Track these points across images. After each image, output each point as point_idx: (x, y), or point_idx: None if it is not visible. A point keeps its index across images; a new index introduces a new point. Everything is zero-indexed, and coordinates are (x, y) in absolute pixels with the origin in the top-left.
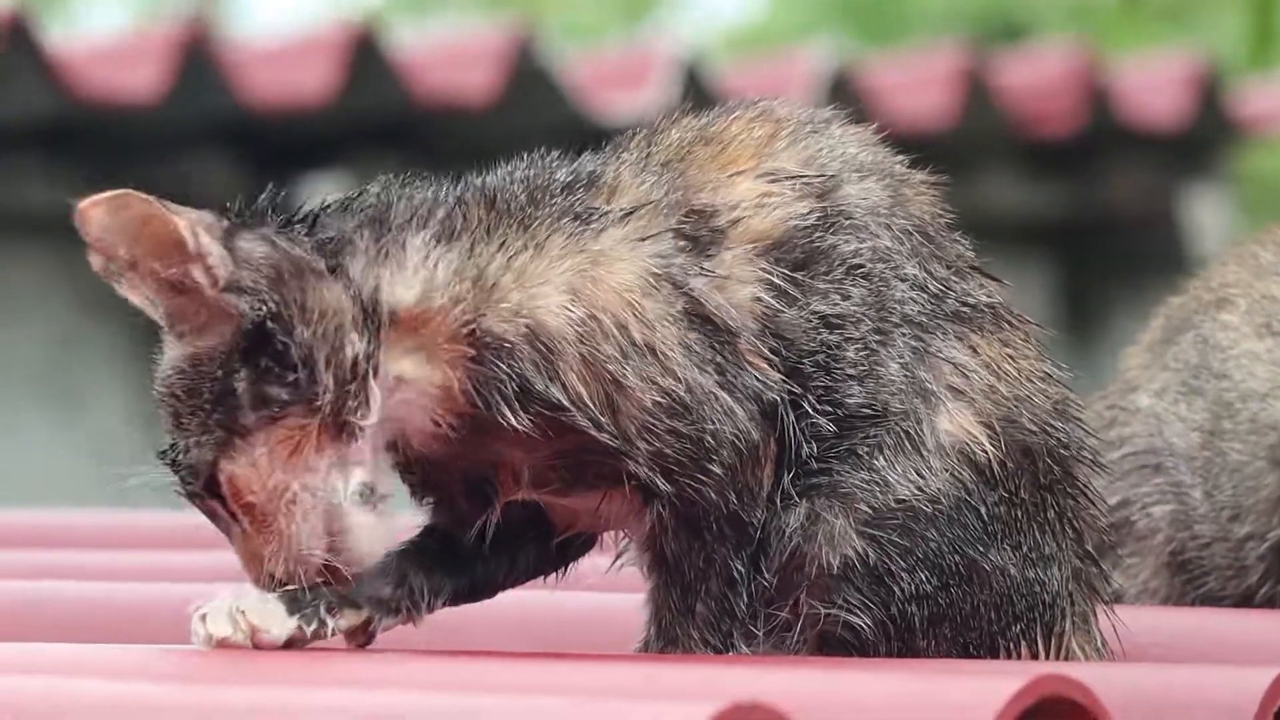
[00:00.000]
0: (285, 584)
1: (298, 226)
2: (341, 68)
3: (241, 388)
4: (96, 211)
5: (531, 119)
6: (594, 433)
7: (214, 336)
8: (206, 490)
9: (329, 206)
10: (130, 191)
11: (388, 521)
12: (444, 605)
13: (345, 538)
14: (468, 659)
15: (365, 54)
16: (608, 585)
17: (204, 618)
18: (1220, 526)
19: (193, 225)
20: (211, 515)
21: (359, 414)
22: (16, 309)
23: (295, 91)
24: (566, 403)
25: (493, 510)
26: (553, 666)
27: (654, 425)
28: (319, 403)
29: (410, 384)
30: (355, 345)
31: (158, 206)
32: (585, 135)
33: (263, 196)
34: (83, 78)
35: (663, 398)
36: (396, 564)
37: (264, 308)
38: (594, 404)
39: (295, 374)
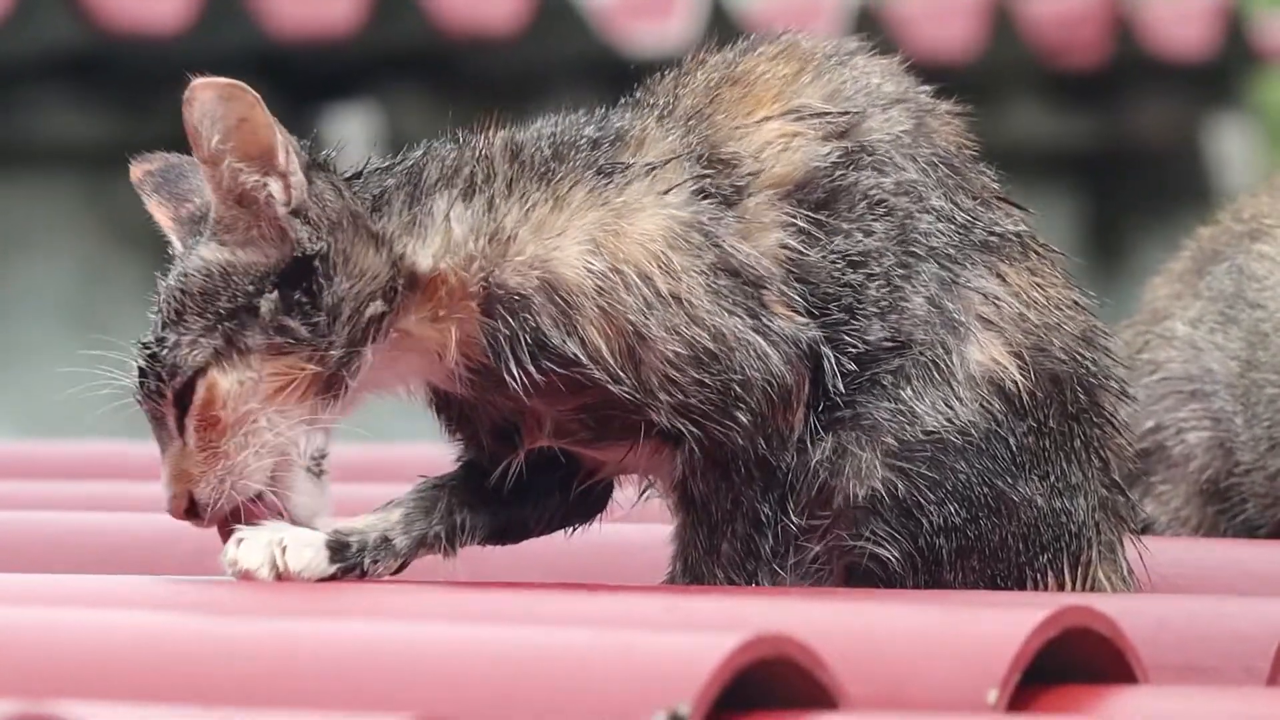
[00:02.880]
0: (201, 507)
1: (355, 182)
2: None
3: (266, 309)
4: (206, 94)
5: (557, 50)
6: (611, 387)
7: (258, 254)
8: (180, 391)
9: (375, 167)
10: (245, 86)
11: (327, 491)
12: (477, 543)
13: (286, 494)
14: (492, 590)
15: None
16: (631, 517)
17: (240, 542)
18: (1259, 455)
19: (286, 141)
20: (157, 420)
21: (351, 374)
22: (43, 241)
23: (321, 22)
24: (584, 357)
25: (516, 455)
26: (576, 597)
27: (677, 376)
28: (328, 353)
29: (413, 340)
30: (375, 309)
31: (264, 110)
32: (611, 66)
33: (328, 151)
34: (109, 9)
35: (686, 348)
36: (446, 499)
37: (319, 245)
38: (614, 357)
39: (320, 318)
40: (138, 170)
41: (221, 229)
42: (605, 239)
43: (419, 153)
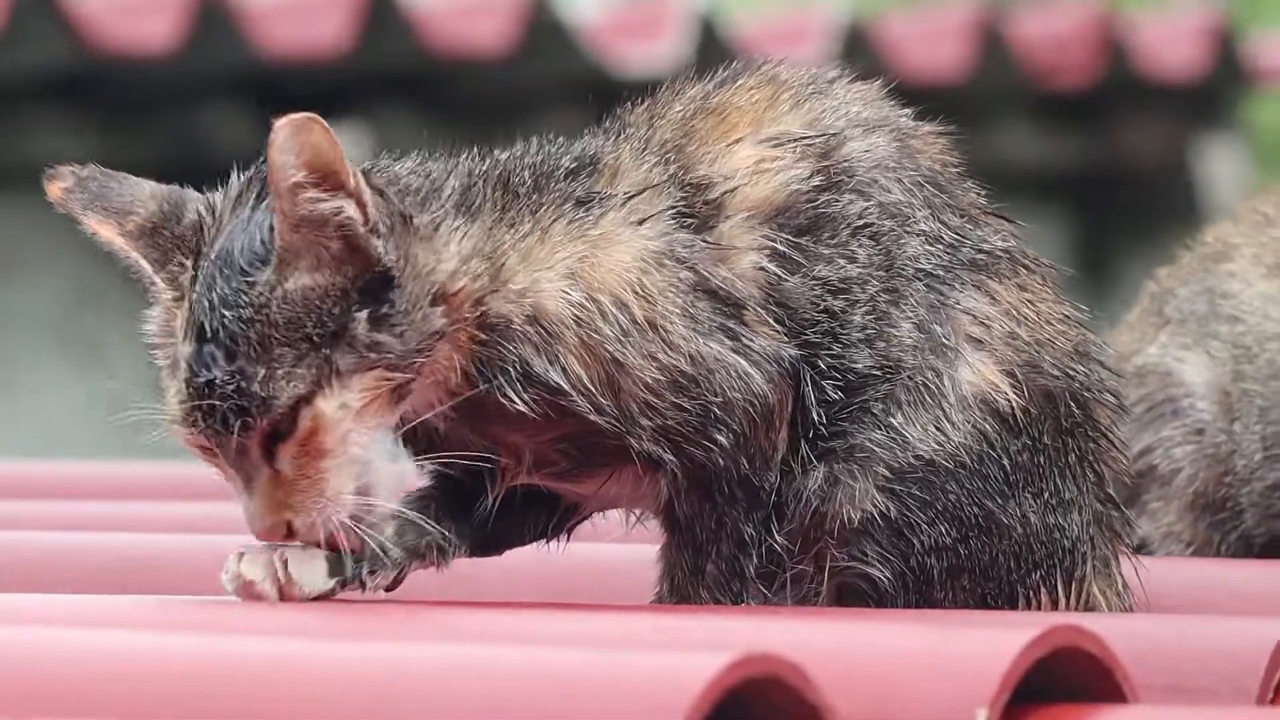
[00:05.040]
0: (299, 533)
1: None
2: (356, 19)
3: (360, 330)
4: (284, 131)
5: (546, 71)
6: (593, 417)
7: (332, 274)
8: (280, 424)
9: (393, 167)
10: (315, 117)
11: (404, 469)
12: (464, 554)
13: (373, 490)
14: (481, 609)
15: (380, 5)
16: (620, 536)
17: (240, 556)
18: (1255, 466)
19: (350, 165)
20: (240, 453)
21: (420, 375)
22: (33, 261)
23: (310, 43)
24: (566, 386)
25: (487, 494)
26: (564, 617)
27: (656, 401)
28: (407, 360)
29: (439, 361)
30: (437, 312)
31: (331, 135)
32: (600, 87)
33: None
34: (99, 30)
35: (663, 374)
36: (433, 510)
37: (392, 254)
38: (595, 386)
39: (404, 325)
40: (55, 189)
41: (290, 256)
42: (582, 269)
43: (427, 160)
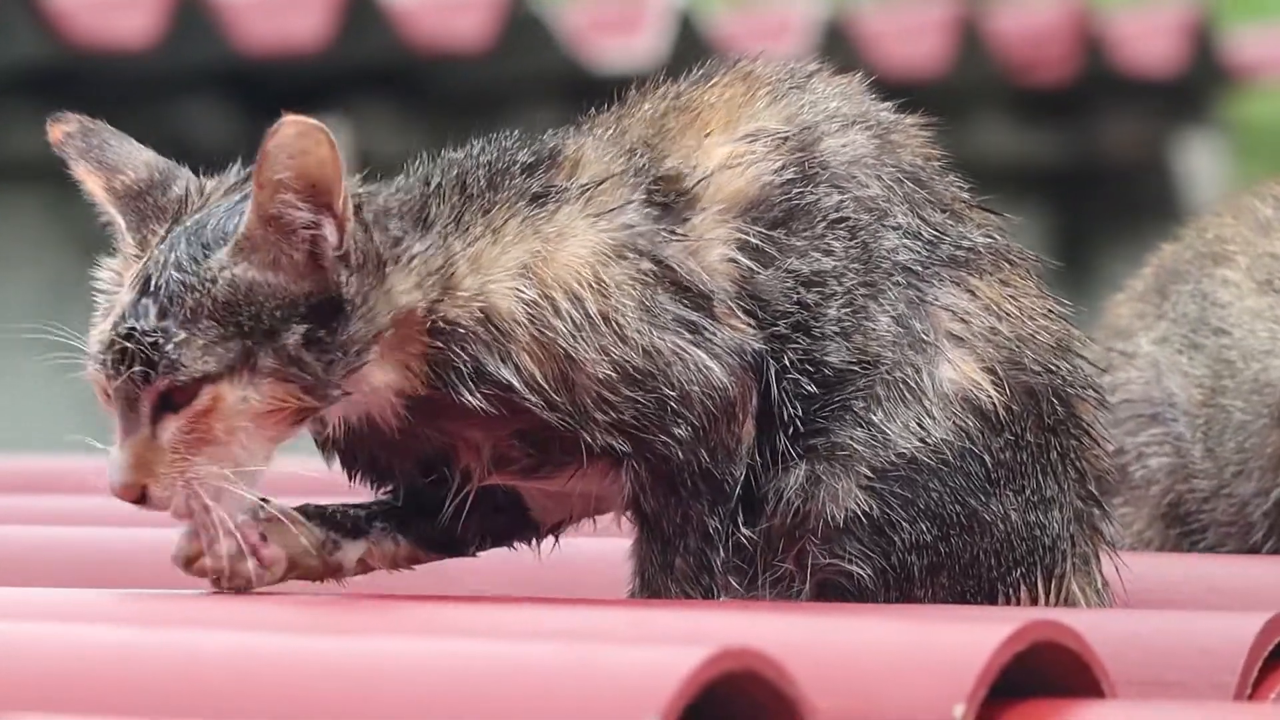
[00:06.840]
0: (153, 502)
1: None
2: (335, 14)
3: (291, 340)
4: (289, 129)
5: (525, 66)
6: (546, 414)
7: (285, 279)
8: (175, 389)
9: (381, 201)
10: (325, 128)
11: (252, 500)
12: (412, 540)
13: (226, 498)
14: (457, 604)
15: (359, 0)
16: (597, 531)
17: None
18: (1222, 482)
19: (346, 190)
20: (127, 400)
21: (327, 410)
22: (9, 256)
23: (290, 37)
24: (519, 384)
25: (464, 488)
26: (541, 611)
27: (610, 396)
28: (324, 391)
29: (371, 385)
30: (372, 354)
31: (336, 153)
32: (579, 82)
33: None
34: (77, 24)
35: (615, 369)
36: (377, 506)
37: (352, 289)
38: (548, 383)
39: (333, 356)
40: (57, 131)
41: (248, 248)
42: (536, 265)
43: (413, 176)
